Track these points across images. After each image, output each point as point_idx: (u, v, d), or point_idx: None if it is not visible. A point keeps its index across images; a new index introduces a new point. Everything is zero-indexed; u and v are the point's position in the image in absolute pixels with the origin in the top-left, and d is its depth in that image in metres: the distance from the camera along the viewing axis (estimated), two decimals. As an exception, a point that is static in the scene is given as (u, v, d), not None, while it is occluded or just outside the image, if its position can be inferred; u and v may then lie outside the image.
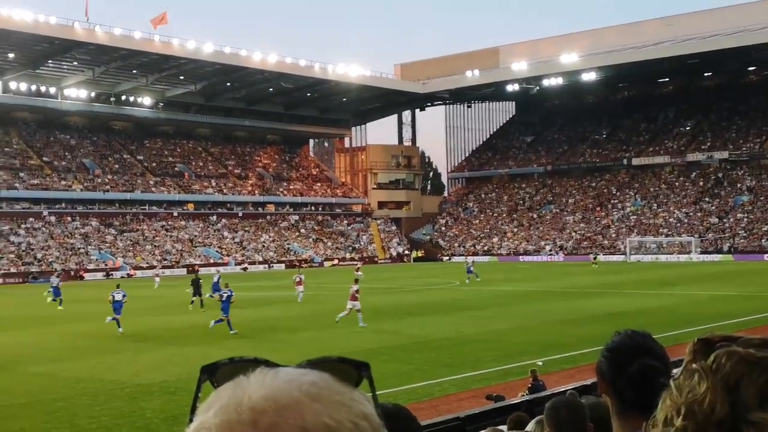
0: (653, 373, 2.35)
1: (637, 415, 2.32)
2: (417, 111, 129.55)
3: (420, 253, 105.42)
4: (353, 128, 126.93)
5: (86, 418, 15.55)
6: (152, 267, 79.47)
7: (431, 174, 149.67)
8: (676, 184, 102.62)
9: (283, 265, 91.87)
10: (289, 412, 0.82)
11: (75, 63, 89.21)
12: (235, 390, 0.85)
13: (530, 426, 4.11)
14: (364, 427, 0.84)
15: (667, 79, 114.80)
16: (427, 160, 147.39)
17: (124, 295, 31.17)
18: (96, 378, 20.01)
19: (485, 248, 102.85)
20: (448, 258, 77.04)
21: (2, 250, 78.85)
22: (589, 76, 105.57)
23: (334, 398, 0.84)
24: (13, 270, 75.62)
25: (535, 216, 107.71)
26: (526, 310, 32.59)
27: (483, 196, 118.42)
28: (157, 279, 60.08)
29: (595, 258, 79.94)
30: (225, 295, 30.64)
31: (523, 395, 12.90)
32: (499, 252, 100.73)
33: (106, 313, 34.26)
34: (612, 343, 2.54)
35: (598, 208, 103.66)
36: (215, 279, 42.03)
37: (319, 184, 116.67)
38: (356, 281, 31.71)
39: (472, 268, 56.95)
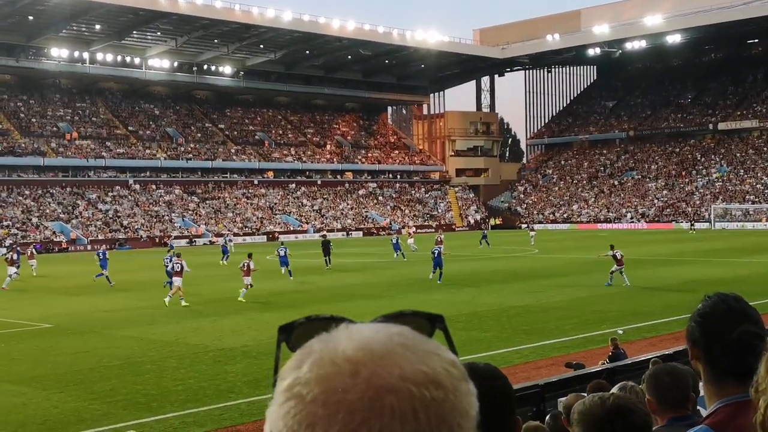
0: (751, 339, 2.24)
1: (733, 383, 2.24)
2: (496, 77, 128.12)
3: (498, 221, 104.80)
4: (431, 95, 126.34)
5: (172, 380, 16.02)
6: (235, 234, 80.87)
7: (510, 141, 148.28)
8: (765, 149, 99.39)
9: (360, 233, 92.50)
10: (385, 361, 0.82)
11: (158, 33, 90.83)
12: (325, 344, 0.85)
13: (614, 389, 4.07)
14: (455, 373, 0.85)
15: (756, 40, 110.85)
16: (505, 126, 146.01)
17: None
18: (181, 342, 20.58)
19: (564, 216, 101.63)
20: (526, 226, 76.31)
21: (90, 218, 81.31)
22: (674, 39, 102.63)
23: (423, 347, 0.85)
24: (101, 237, 77.90)
25: (616, 183, 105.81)
26: (606, 278, 32.11)
27: (563, 162, 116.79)
28: (231, 245, 59.29)
29: (692, 225, 79.33)
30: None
31: (604, 363, 12.79)
32: (578, 220, 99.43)
33: (195, 279, 35.30)
34: (703, 308, 2.40)
35: (682, 174, 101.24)
36: (223, 243, 45.40)
37: (396, 152, 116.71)
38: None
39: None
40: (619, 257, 31.00)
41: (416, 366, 0.83)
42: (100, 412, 13.65)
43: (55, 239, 74.83)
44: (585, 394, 5.37)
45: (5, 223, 75.58)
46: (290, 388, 0.83)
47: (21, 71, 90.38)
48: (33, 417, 13.42)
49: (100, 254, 39.19)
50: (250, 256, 31.37)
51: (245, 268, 30.11)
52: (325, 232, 71.05)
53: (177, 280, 28.65)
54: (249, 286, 29.90)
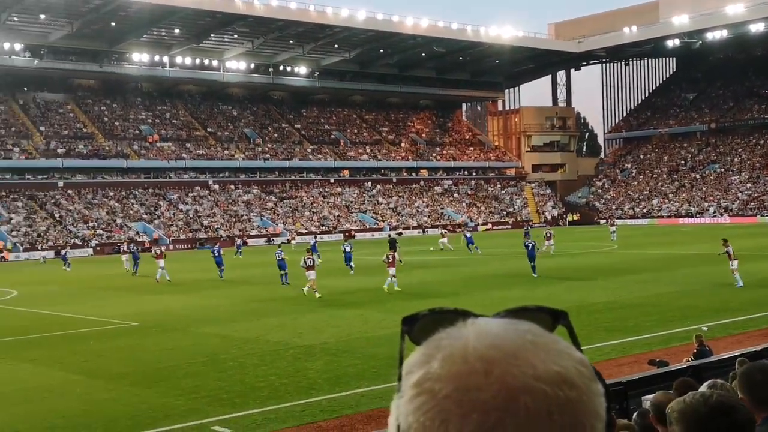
0: None
1: None
2: (572, 71, 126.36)
3: (575, 217, 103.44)
4: (506, 91, 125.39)
5: (254, 376, 16.29)
6: (312, 233, 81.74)
7: (587, 135, 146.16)
8: None
9: (436, 230, 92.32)
10: (518, 360, 0.82)
11: (235, 35, 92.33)
12: (454, 340, 0.84)
13: (703, 388, 4.01)
14: (586, 373, 0.84)
15: None
16: (582, 121, 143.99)
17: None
18: (262, 339, 20.89)
19: (644, 211, 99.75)
20: (605, 221, 74.68)
21: (172, 218, 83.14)
22: (757, 28, 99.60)
23: (553, 346, 0.85)
24: (182, 236, 79.60)
25: (697, 176, 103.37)
26: (688, 273, 31.49)
27: (641, 156, 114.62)
28: (293, 242, 60.57)
29: None
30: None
31: (689, 361, 12.56)
32: (658, 215, 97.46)
33: (270, 276, 35.85)
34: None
35: (767, 167, 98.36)
36: (313, 242, 45.32)
37: (472, 149, 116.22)
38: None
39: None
40: (731, 253, 29.45)
41: (549, 365, 0.82)
42: (186, 407, 13.97)
43: (138, 239, 76.69)
44: (672, 392, 5.30)
45: (91, 224, 77.84)
46: (420, 383, 0.83)
47: (104, 76, 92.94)
48: (123, 412, 13.81)
49: (215, 251, 40.48)
50: (392, 248, 34.02)
51: (389, 260, 31.79)
52: (390, 231, 71.63)
53: (311, 274, 30.64)
54: (393, 277, 31.52)
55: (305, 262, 31.33)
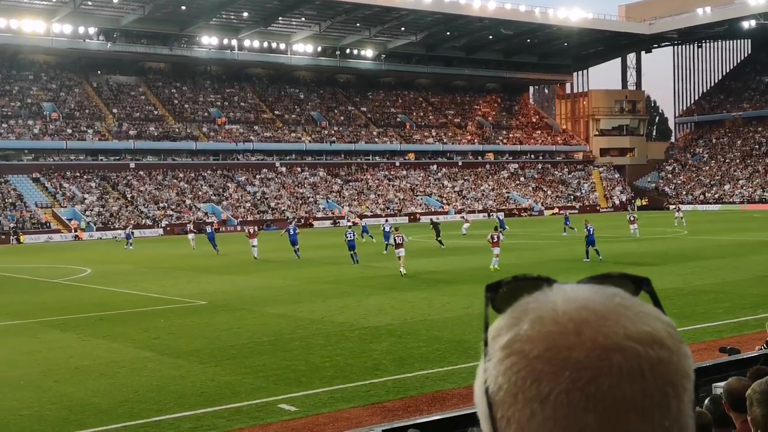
0: None
1: None
2: (642, 53, 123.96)
3: (644, 202, 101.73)
4: (574, 73, 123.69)
5: (320, 356, 16.49)
6: (377, 216, 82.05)
7: (657, 119, 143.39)
8: None
9: (502, 214, 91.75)
10: (608, 320, 0.83)
11: (302, 19, 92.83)
12: (542, 303, 0.86)
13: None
14: (675, 335, 0.85)
15: None
16: (652, 104, 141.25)
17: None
18: (327, 320, 21.10)
19: (716, 196, 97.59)
20: (673, 206, 72.71)
21: (240, 200, 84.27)
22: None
23: (641, 308, 0.86)
24: (249, 218, 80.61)
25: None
26: (760, 260, 30.75)
27: (714, 141, 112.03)
28: (351, 224, 60.49)
29: None
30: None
31: (761, 348, 12.31)
32: (731, 200, 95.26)
33: (334, 258, 36.23)
34: None
35: None
36: (386, 228, 44.05)
37: (539, 132, 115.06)
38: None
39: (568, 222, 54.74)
40: None
41: (639, 326, 0.83)
42: (253, 385, 14.22)
43: (207, 220, 77.94)
44: (746, 378, 5.22)
45: (161, 205, 79.36)
46: (510, 344, 0.84)
47: (175, 59, 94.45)
48: (191, 389, 14.11)
49: (291, 230, 41.49)
50: (496, 228, 35.48)
51: (494, 240, 33.08)
52: (432, 217, 72.41)
53: (400, 251, 31.70)
54: (497, 257, 32.84)
55: (395, 240, 32.77)
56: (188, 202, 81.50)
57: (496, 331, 0.86)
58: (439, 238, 45.33)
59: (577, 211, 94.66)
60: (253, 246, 41.65)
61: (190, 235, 52.37)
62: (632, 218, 49.51)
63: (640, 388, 0.80)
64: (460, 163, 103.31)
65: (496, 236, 33.22)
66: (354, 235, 38.01)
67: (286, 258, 40.22)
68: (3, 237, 68.42)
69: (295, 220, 63.94)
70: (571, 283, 0.91)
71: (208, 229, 51.93)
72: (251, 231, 43.56)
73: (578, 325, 0.82)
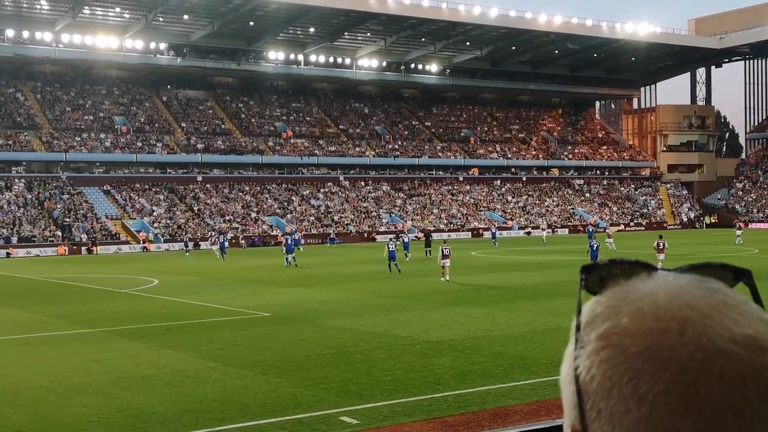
0: None
1: None
2: (712, 68, 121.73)
3: (713, 219, 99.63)
4: (642, 88, 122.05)
5: (382, 370, 16.51)
6: (440, 230, 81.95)
7: (727, 135, 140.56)
8: None
9: (566, 230, 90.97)
10: (712, 320, 0.80)
11: (368, 34, 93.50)
12: (643, 294, 0.83)
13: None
14: None
15: None
16: (722, 120, 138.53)
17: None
18: (389, 333, 21.13)
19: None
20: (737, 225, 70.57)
21: (304, 213, 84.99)
22: None
23: (744, 308, 0.83)
24: (313, 231, 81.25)
25: None
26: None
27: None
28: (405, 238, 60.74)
29: None
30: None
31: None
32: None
33: (397, 273, 36.30)
34: None
35: None
36: (407, 239, 51.48)
37: (605, 148, 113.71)
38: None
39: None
40: None
41: (744, 329, 0.80)
42: (315, 397, 14.31)
43: (271, 233, 78.79)
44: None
45: (227, 218, 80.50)
46: (607, 336, 0.81)
47: (242, 74, 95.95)
48: (254, 399, 14.27)
49: (289, 239, 43.80)
50: (661, 236, 37.77)
51: (660, 247, 35.43)
52: (428, 227, 75.11)
53: (446, 262, 34.37)
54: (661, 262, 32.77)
55: (442, 252, 34.62)
56: (253, 215, 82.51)
57: (590, 318, 0.84)
58: (428, 249, 50.35)
59: (643, 228, 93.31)
60: (287, 257, 46.58)
61: (214, 247, 60.00)
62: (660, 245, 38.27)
63: (741, 394, 0.77)
64: (524, 179, 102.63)
65: (661, 244, 35.84)
66: (395, 246, 40.35)
67: (349, 272, 40.41)
68: (75, 247, 70.14)
69: (296, 231, 67.53)
70: (672, 272, 0.88)
71: (221, 239, 59.76)
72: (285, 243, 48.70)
73: (681, 323, 0.80)
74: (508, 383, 14.82)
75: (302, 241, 50.20)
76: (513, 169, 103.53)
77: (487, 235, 76.40)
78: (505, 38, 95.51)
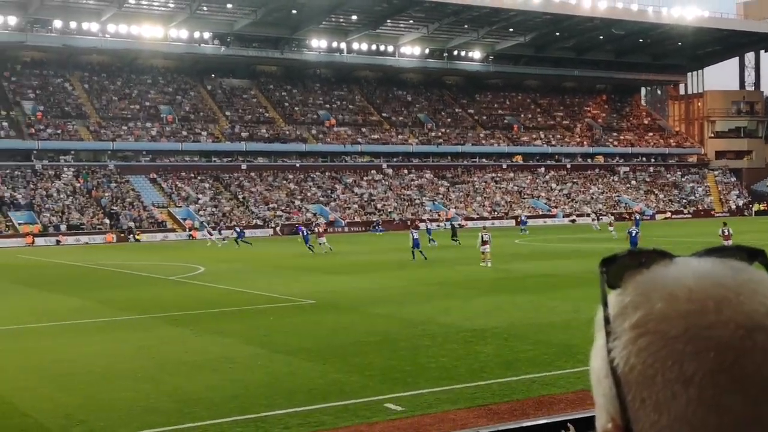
0: None
1: None
2: (761, 52, 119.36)
3: (762, 206, 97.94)
4: (689, 74, 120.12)
5: (426, 357, 16.55)
6: (483, 218, 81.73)
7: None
8: None
9: (612, 218, 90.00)
10: (746, 298, 0.81)
11: (411, 21, 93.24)
12: (671, 279, 0.84)
13: None
14: None
15: None
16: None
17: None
18: (433, 321, 21.15)
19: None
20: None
21: (347, 201, 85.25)
22: None
23: None
24: (357, 219, 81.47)
25: None
26: None
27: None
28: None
29: None
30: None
31: None
32: None
33: (439, 261, 36.28)
34: None
35: None
36: (430, 226, 54.71)
37: (650, 134, 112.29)
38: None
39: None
40: None
41: None
42: (359, 384, 14.39)
43: (315, 221, 79.16)
44: None
45: (271, 206, 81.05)
46: (643, 323, 0.81)
47: (285, 62, 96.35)
48: (300, 386, 14.39)
49: (413, 233, 44.17)
50: (725, 224, 39.77)
51: (726, 234, 37.39)
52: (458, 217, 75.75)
53: (486, 248, 35.39)
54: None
55: (482, 238, 35.56)
56: (297, 203, 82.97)
57: (620, 309, 0.84)
58: (454, 239, 51.72)
59: (690, 216, 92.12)
60: (321, 243, 47.33)
61: (209, 236, 63.54)
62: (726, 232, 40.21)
63: None
64: (568, 166, 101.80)
65: (728, 231, 38.01)
66: (416, 234, 41.21)
67: (392, 259, 40.50)
68: (122, 235, 71.19)
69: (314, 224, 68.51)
70: (691, 257, 0.88)
71: (238, 229, 62.59)
72: (320, 230, 50.70)
73: (717, 303, 0.80)
74: (554, 371, 14.76)
75: (305, 232, 51.90)
76: (557, 157, 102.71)
77: (531, 222, 75.94)
78: (549, 24, 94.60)
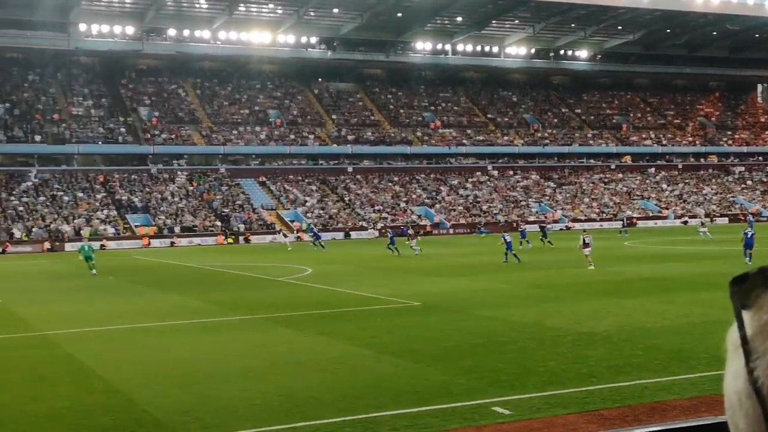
0: None
1: None
2: None
3: None
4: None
5: (533, 361, 16.39)
6: (591, 220, 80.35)
7: None
8: None
9: (726, 219, 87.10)
10: None
11: (516, 21, 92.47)
12: None
13: None
14: None
15: None
16: None
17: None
18: (540, 324, 20.93)
19: None
20: None
21: (452, 203, 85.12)
22: None
23: None
24: (462, 221, 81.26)
25: None
26: None
27: None
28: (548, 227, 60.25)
29: None
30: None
31: None
32: None
33: (547, 263, 35.83)
34: None
35: None
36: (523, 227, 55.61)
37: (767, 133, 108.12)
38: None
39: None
40: None
41: None
42: (466, 386, 14.37)
43: (420, 223, 79.36)
44: None
45: (377, 208, 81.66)
46: None
47: (390, 65, 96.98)
48: (406, 387, 14.48)
49: (524, 233, 43.69)
50: (544, 235, 38.65)
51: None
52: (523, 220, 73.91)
53: (587, 250, 35.53)
54: None
55: (583, 240, 35.90)
56: (402, 205, 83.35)
57: (758, 328, 0.80)
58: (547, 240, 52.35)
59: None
60: (413, 247, 48.06)
61: (286, 239, 64.04)
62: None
63: None
64: (680, 166, 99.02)
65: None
66: (509, 237, 41.61)
67: (495, 261, 40.27)
68: (233, 237, 72.98)
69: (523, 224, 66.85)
70: None
71: (315, 230, 65.18)
72: (411, 233, 51.97)
73: None
74: (666, 377, 14.42)
75: (392, 234, 52.85)
76: (668, 156, 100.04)
77: (645, 224, 74.16)
78: (660, 21, 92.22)
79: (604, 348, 17.49)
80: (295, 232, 73.42)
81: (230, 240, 72.41)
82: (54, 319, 24.57)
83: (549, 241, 52.58)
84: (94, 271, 39.05)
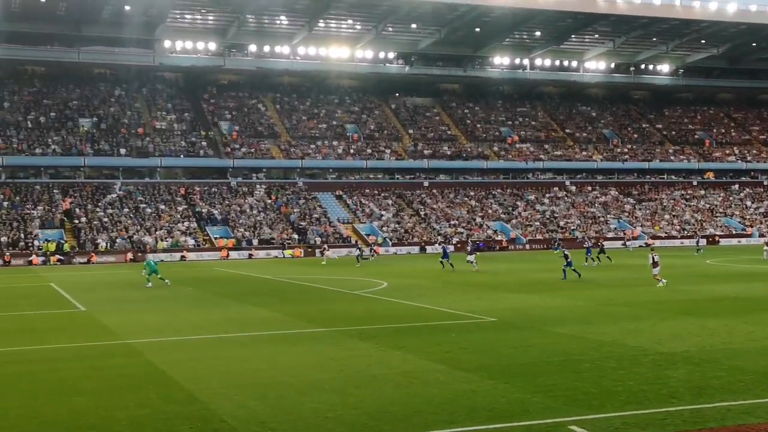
0: None
1: None
2: None
3: None
4: None
5: (612, 380, 16.11)
6: (671, 237, 78.72)
7: None
8: None
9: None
10: None
11: (596, 35, 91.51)
12: None
13: None
14: None
15: None
16: None
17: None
18: (619, 343, 20.57)
19: None
20: None
21: (529, 218, 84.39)
22: None
23: None
24: (538, 236, 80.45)
25: None
26: None
27: None
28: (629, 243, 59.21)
29: None
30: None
31: None
32: None
33: (627, 280, 35.21)
34: None
35: None
36: (588, 244, 56.78)
37: None
38: None
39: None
40: None
41: None
42: (542, 405, 14.21)
43: (496, 238, 78.89)
44: None
45: (452, 222, 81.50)
46: None
47: (467, 80, 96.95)
48: (481, 404, 14.38)
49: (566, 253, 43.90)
50: (602, 251, 35.92)
51: None
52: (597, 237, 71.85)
53: (656, 270, 35.04)
54: None
55: (652, 259, 35.48)
56: (478, 220, 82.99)
57: None
58: (601, 254, 52.96)
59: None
60: (470, 262, 48.64)
61: (328, 253, 63.70)
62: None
63: None
64: (765, 183, 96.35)
65: None
66: (566, 251, 42.61)
67: (571, 278, 39.74)
68: (309, 250, 73.68)
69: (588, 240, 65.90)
70: None
71: (361, 247, 66.26)
72: (469, 249, 51.45)
73: None
74: (751, 399, 14.02)
75: (447, 250, 53.06)
76: (753, 173, 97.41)
77: (728, 242, 72.09)
78: (745, 34, 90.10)
79: (685, 368, 17.10)
80: (370, 245, 73.73)
81: (307, 251, 73.09)
82: (137, 328, 25.17)
83: (608, 257, 53.45)
84: (150, 284, 39.07)
